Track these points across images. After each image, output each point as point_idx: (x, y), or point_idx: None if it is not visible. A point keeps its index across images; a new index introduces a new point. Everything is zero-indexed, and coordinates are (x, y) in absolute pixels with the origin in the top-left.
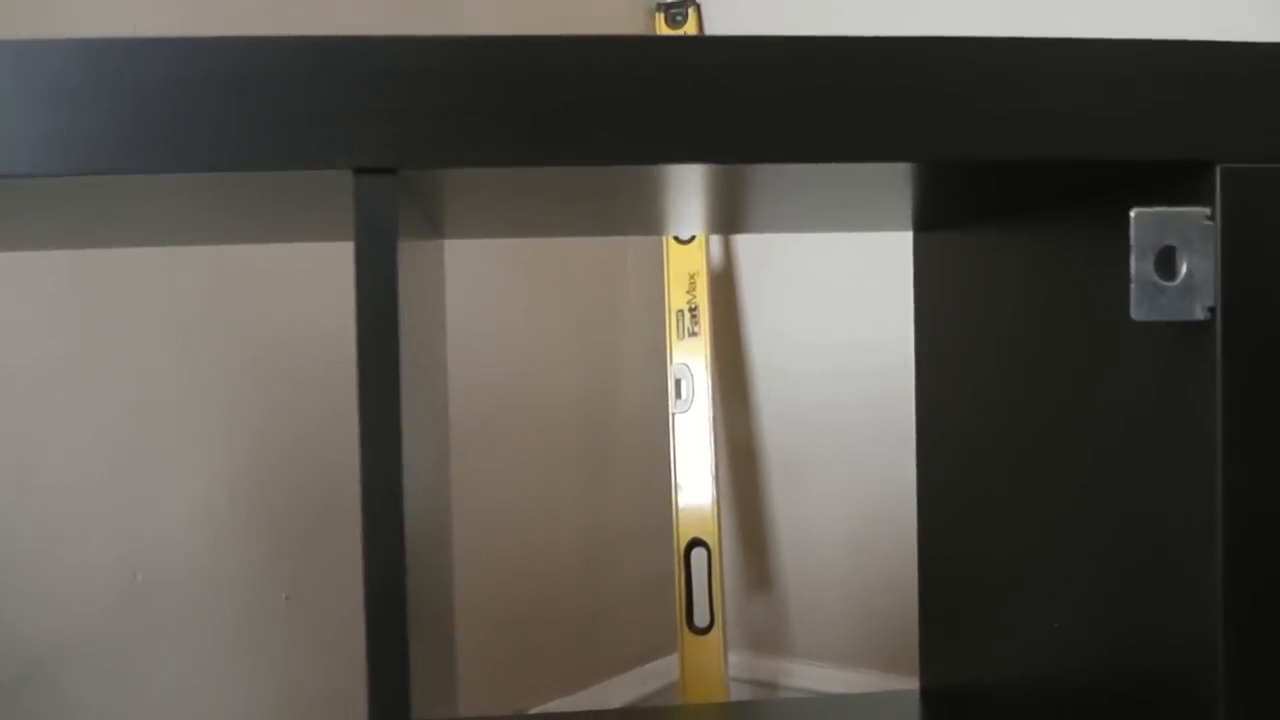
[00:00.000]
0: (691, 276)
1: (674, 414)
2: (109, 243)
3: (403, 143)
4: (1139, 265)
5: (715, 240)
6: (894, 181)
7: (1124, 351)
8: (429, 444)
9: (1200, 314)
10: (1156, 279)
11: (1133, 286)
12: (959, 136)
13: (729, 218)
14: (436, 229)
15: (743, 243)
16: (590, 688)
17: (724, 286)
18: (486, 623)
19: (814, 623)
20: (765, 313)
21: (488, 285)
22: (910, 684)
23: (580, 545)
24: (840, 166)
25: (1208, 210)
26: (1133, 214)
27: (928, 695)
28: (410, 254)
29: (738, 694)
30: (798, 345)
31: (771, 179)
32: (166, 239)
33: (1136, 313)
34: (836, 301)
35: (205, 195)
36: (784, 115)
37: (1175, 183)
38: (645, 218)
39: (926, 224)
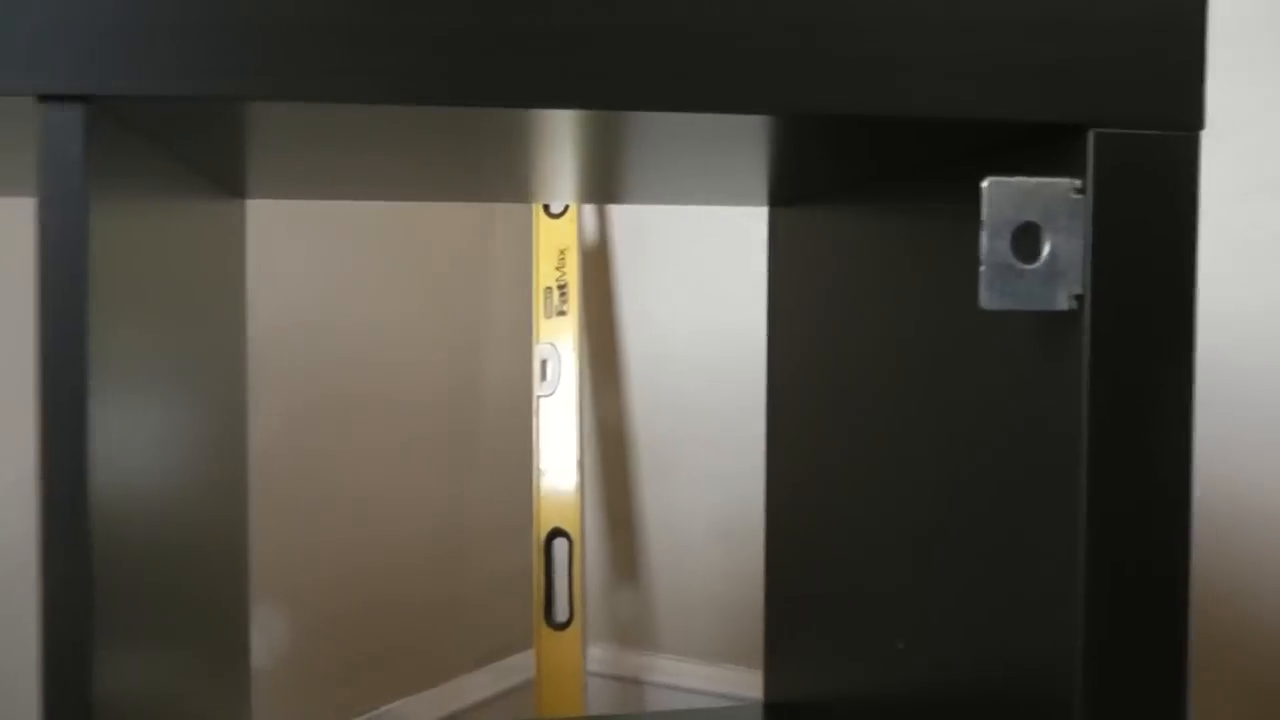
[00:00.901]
0: (562, 252)
1: (538, 396)
2: None
3: (101, 62)
4: (991, 245)
5: (589, 216)
6: (748, 144)
7: (982, 341)
8: (182, 435)
9: (1065, 303)
10: (1013, 261)
11: (983, 269)
12: (792, 85)
13: (577, 183)
14: (218, 182)
15: (618, 219)
16: (441, 685)
17: (597, 264)
18: (333, 618)
19: (681, 617)
20: (639, 292)
21: (337, 253)
22: None
23: (436, 535)
24: (689, 123)
25: (1077, 182)
26: (985, 184)
27: (771, 709)
28: (139, 208)
29: (597, 691)
30: (672, 327)
31: (622, 135)
32: None
33: (987, 300)
34: (714, 283)
35: None
36: (621, 54)
37: (1041, 150)
38: (488, 180)
39: (782, 198)
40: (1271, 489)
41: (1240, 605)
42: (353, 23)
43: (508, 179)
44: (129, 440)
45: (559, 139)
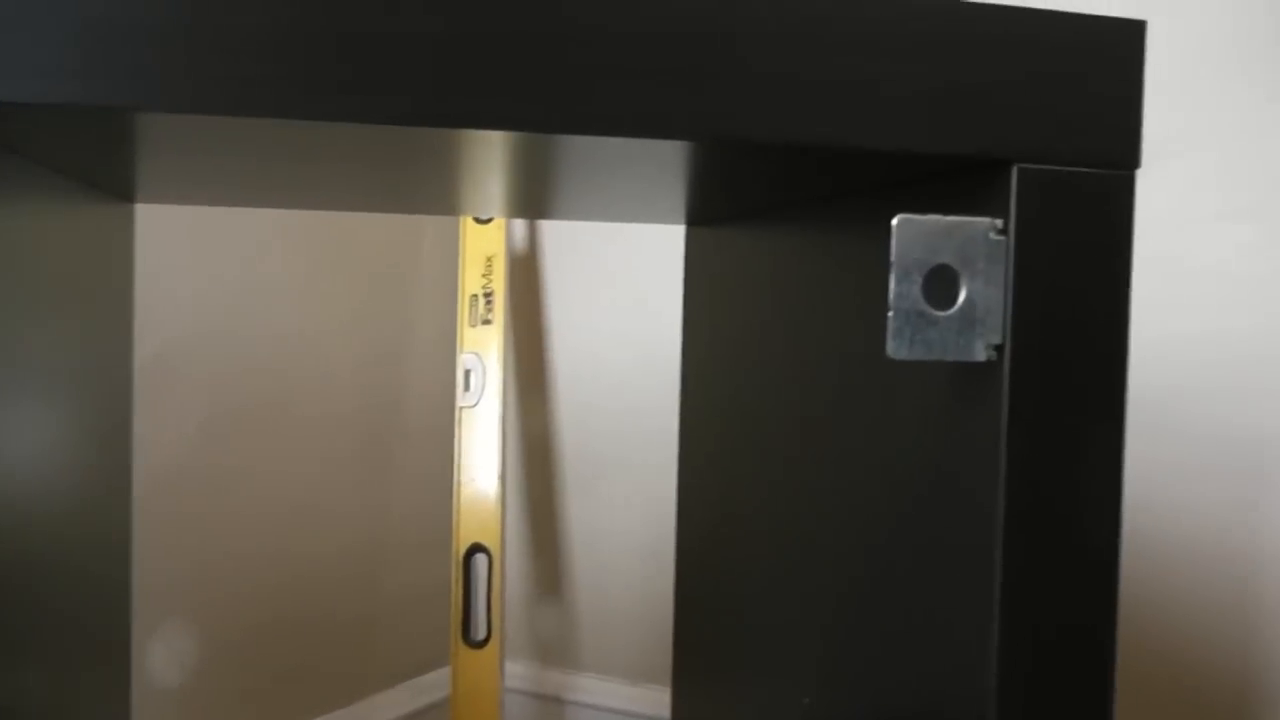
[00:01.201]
0: (489, 259)
1: (461, 407)
2: None
3: None
4: (900, 289)
5: (519, 223)
6: (666, 164)
7: (894, 384)
8: (60, 443)
9: (982, 354)
10: (925, 307)
11: (890, 315)
12: (702, 110)
13: (492, 199)
14: (98, 187)
15: (549, 227)
16: (355, 704)
17: (526, 272)
18: (244, 634)
19: (603, 635)
20: (569, 302)
21: (252, 256)
22: None
23: (353, 550)
24: (602, 146)
25: (998, 222)
26: (895, 222)
27: None
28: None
29: (516, 709)
30: (602, 338)
31: (535, 156)
32: None
33: (894, 349)
34: (645, 295)
35: None
36: (533, 76)
37: (963, 184)
38: (401, 193)
39: (699, 218)
40: (1217, 519)
41: (1179, 644)
42: (243, 27)
43: (421, 194)
44: (6, 449)
45: (467, 157)
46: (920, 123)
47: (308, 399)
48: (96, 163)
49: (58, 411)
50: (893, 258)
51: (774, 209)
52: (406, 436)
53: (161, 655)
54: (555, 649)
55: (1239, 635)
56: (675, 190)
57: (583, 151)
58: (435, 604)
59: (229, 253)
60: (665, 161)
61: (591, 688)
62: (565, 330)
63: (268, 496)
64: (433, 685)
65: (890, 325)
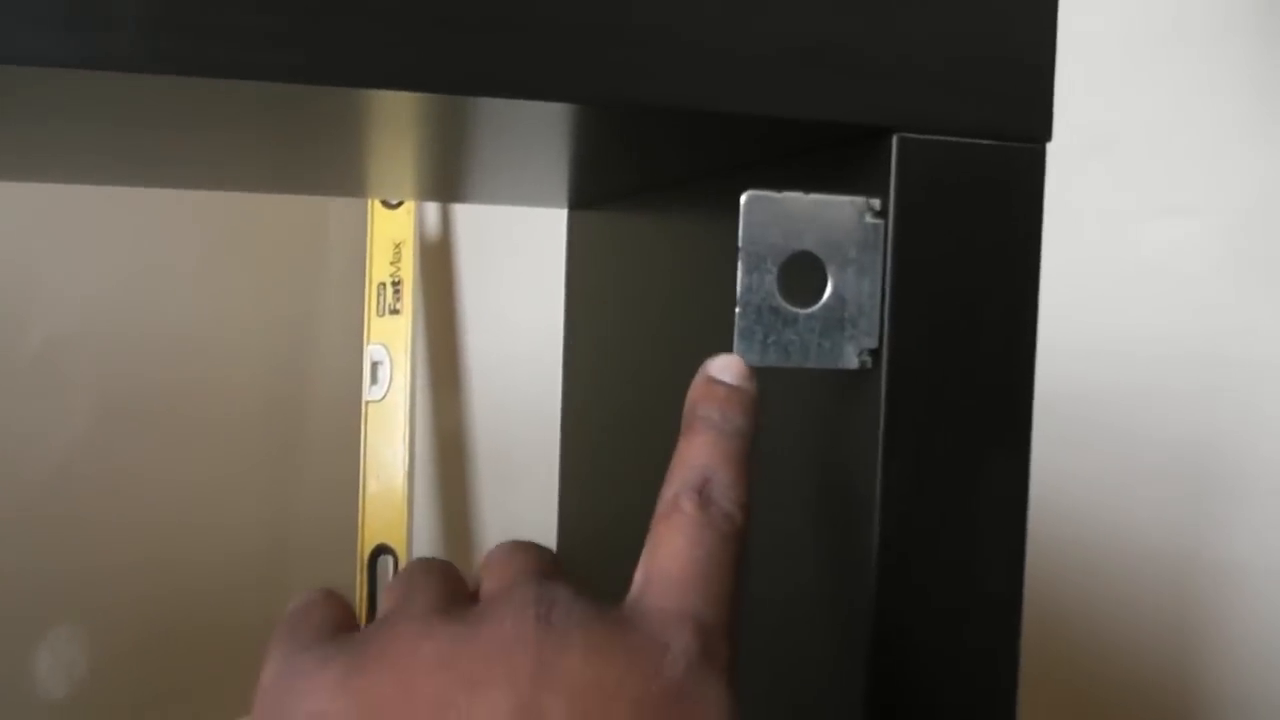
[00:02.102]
0: (397, 246)
1: (367, 401)
2: None
3: None
4: (748, 281)
5: (431, 209)
6: (545, 134)
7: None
8: None
9: (854, 361)
10: (781, 303)
11: (738, 312)
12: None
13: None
14: None
15: (462, 214)
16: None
17: (438, 260)
18: (137, 644)
19: None
20: (484, 291)
21: (145, 243)
22: None
23: (255, 552)
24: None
25: (875, 202)
26: (743, 200)
27: None
28: None
29: None
30: (518, 328)
31: (406, 120)
32: None
33: (743, 351)
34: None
35: None
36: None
37: (834, 160)
38: (283, 168)
39: (580, 199)
40: (1158, 524)
41: (1116, 656)
42: None
43: (299, 167)
44: None
45: (345, 123)
46: (783, 84)
47: (205, 394)
48: None
49: None
50: (740, 243)
51: (642, 190)
52: (310, 433)
53: (50, 664)
54: None
55: (1179, 644)
56: (554, 168)
57: (470, 120)
58: None
59: (120, 241)
60: (540, 131)
61: None
62: (479, 320)
63: (162, 497)
64: None
65: (738, 324)
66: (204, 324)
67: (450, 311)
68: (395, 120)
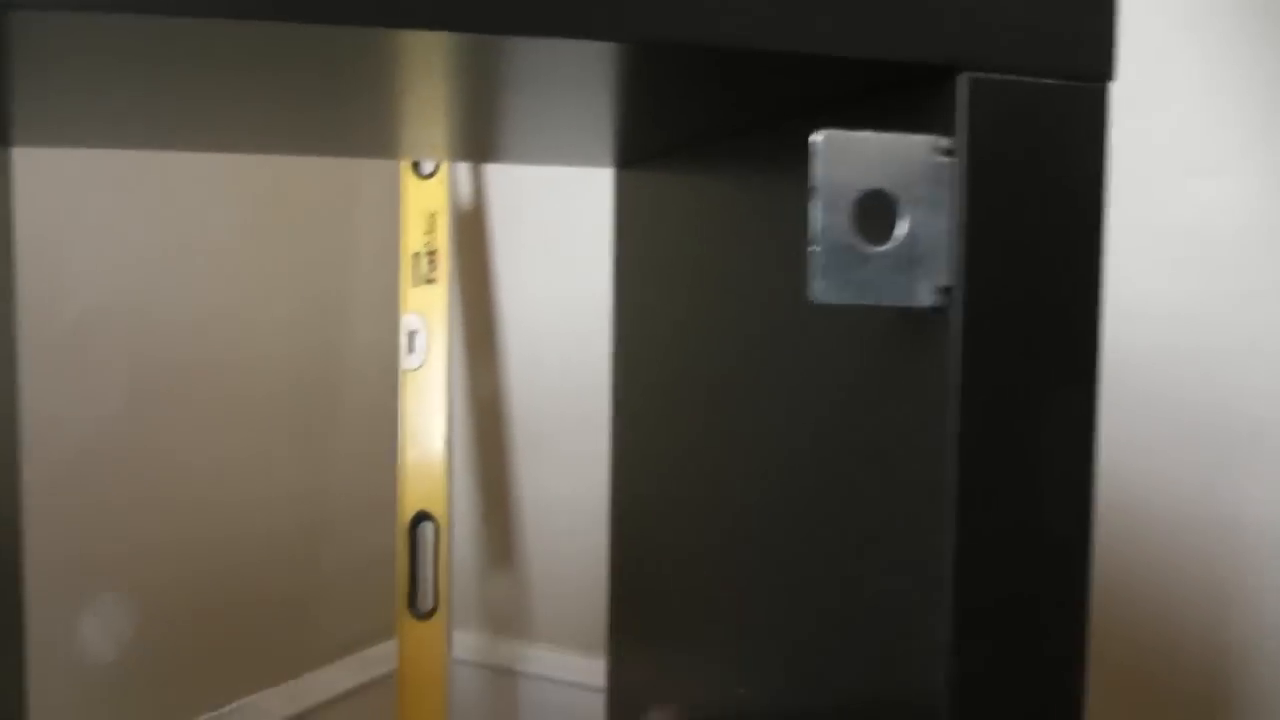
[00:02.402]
0: (432, 215)
1: (404, 370)
2: None
3: None
4: (826, 221)
5: (464, 177)
6: (590, 88)
7: (834, 331)
8: None
9: (927, 298)
10: (856, 241)
11: (814, 251)
12: (667, 12)
13: (408, 137)
14: None
15: (495, 181)
16: (299, 678)
17: (472, 229)
18: (181, 608)
19: (556, 605)
20: (517, 260)
21: (179, 215)
22: None
23: (294, 519)
24: (522, 54)
25: (944, 141)
26: (817, 140)
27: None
28: None
29: (466, 681)
30: (552, 297)
31: (445, 69)
32: None
33: (820, 291)
34: (595, 251)
35: None
36: None
37: (900, 101)
38: (321, 128)
39: (629, 157)
40: (1186, 487)
41: (1149, 612)
42: None
43: (310, 128)
44: None
45: (385, 73)
46: (851, 24)
47: (241, 366)
48: None
49: None
50: (815, 182)
51: (698, 145)
52: (348, 402)
53: (99, 631)
54: (506, 619)
55: (1212, 609)
56: (601, 121)
57: (509, 66)
58: (380, 575)
59: (153, 212)
60: (586, 78)
61: (543, 659)
62: (513, 288)
63: (204, 466)
64: (378, 658)
65: (814, 262)
66: (239, 297)
67: (484, 280)
68: (428, 68)
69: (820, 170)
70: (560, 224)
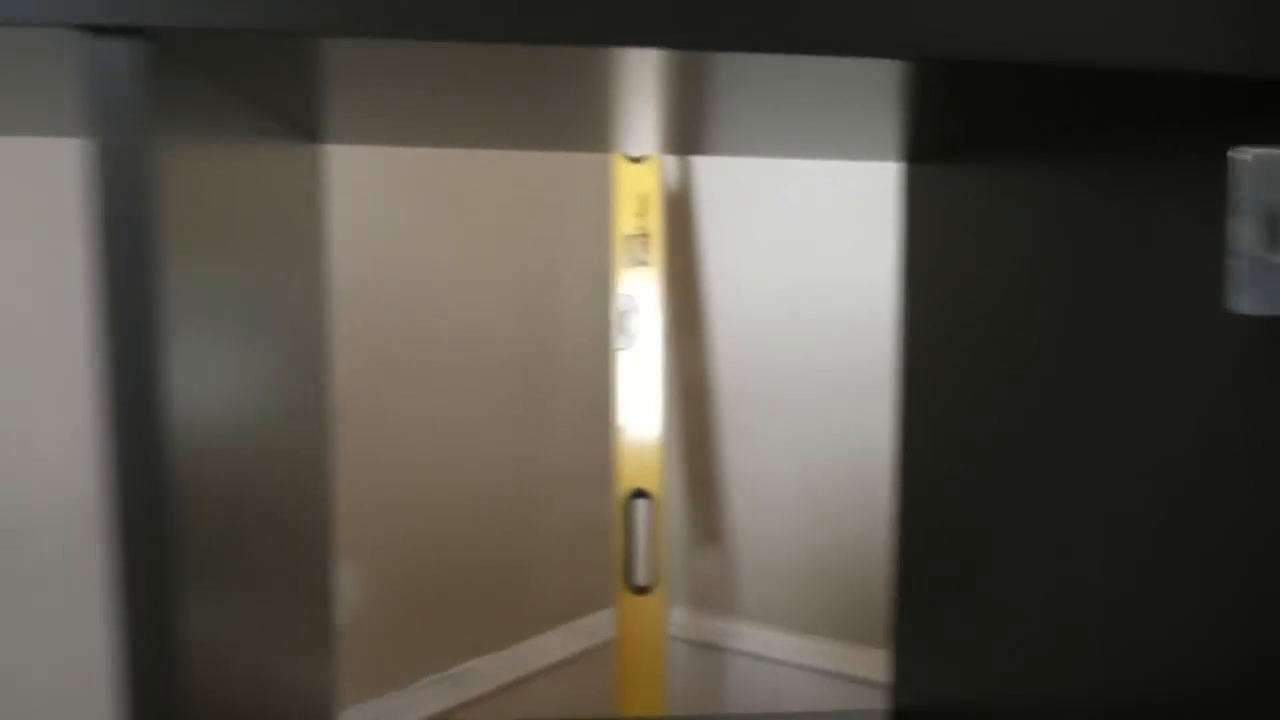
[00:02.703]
0: (643, 199)
1: (618, 350)
2: None
3: None
4: (1243, 234)
5: (671, 160)
6: (880, 92)
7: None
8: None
9: None
10: (1269, 254)
11: (1233, 263)
12: (958, 28)
13: (685, 134)
14: (293, 126)
15: (702, 162)
16: (518, 645)
17: (679, 211)
18: (405, 577)
19: (764, 583)
20: (725, 241)
21: (406, 203)
22: (865, 656)
23: (512, 491)
24: (812, 66)
25: None
26: (1235, 157)
27: (902, 716)
28: (203, 154)
29: (677, 655)
30: (759, 278)
31: (721, 81)
32: None
33: (1241, 303)
34: (806, 233)
35: None
36: None
37: (1271, 110)
38: (578, 129)
39: (921, 154)
40: None
41: None
42: None
43: (586, 128)
44: (205, 383)
45: (648, 83)
46: (1224, 40)
47: (463, 343)
48: (292, 98)
49: (266, 345)
50: (1234, 199)
51: (1015, 143)
52: (564, 379)
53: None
54: (716, 597)
55: None
56: (889, 121)
57: (796, 75)
58: (595, 546)
59: (385, 201)
60: (878, 88)
61: (751, 636)
62: (720, 270)
63: (429, 441)
64: (595, 627)
65: (1234, 277)
66: (461, 276)
67: (690, 261)
68: (744, 77)
69: (1240, 187)
70: (765, 206)
